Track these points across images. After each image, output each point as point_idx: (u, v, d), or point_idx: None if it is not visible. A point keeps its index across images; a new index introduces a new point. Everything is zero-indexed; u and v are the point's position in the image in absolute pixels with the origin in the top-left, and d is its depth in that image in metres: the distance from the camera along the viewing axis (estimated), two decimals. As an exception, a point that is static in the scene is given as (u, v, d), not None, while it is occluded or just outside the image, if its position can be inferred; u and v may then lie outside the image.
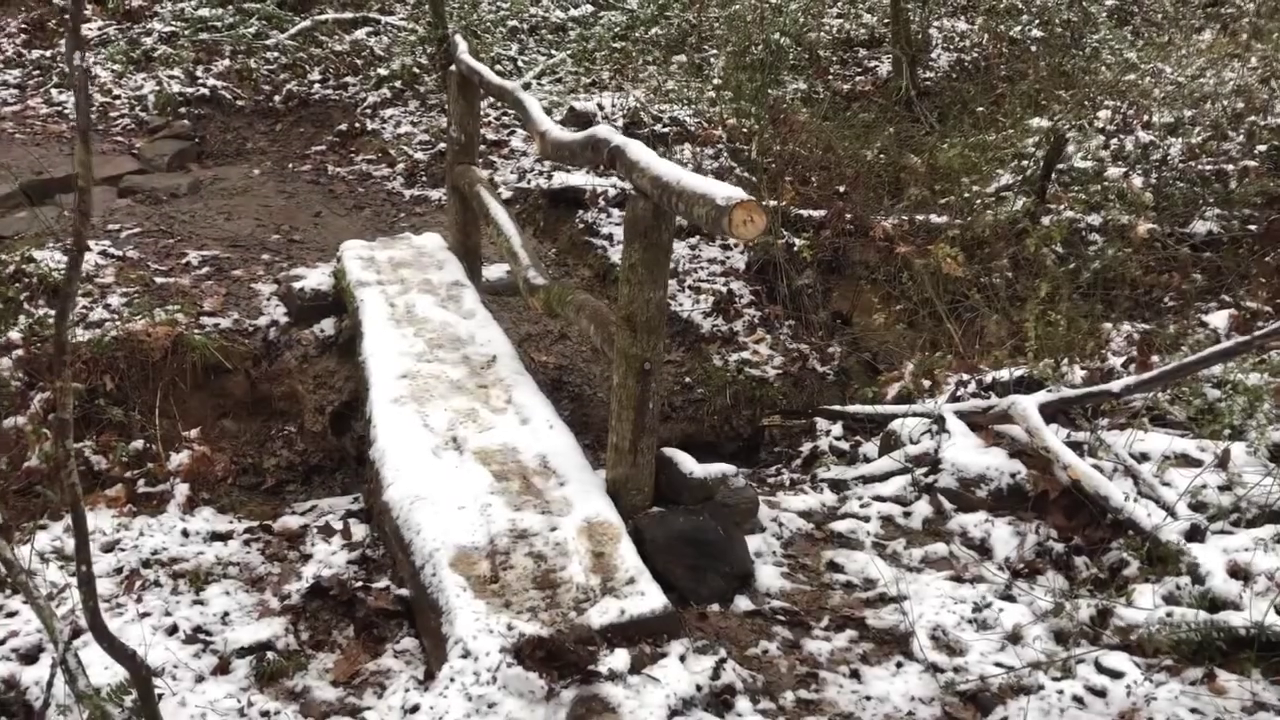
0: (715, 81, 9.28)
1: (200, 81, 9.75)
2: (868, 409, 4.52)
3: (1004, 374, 4.50)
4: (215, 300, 5.95)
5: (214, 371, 5.60)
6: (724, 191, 2.68)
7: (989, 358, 4.81)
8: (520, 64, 10.07)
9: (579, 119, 7.75)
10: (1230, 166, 6.05)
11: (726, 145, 7.48)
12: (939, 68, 11.41)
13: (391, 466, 3.47)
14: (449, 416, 3.83)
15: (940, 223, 6.31)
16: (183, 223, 7.03)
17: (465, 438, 3.67)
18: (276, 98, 9.80)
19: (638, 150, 3.17)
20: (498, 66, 9.69)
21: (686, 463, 3.41)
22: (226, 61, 10.18)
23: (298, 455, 5.64)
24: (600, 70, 9.65)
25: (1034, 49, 11.87)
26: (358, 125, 8.86)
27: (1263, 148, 6.79)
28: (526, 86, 9.36)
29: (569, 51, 10.46)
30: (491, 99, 6.11)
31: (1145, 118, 7.98)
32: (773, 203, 6.46)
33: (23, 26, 10.88)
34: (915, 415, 4.12)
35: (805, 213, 6.58)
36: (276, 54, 10.45)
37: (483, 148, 7.98)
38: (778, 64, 10.08)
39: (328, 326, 5.83)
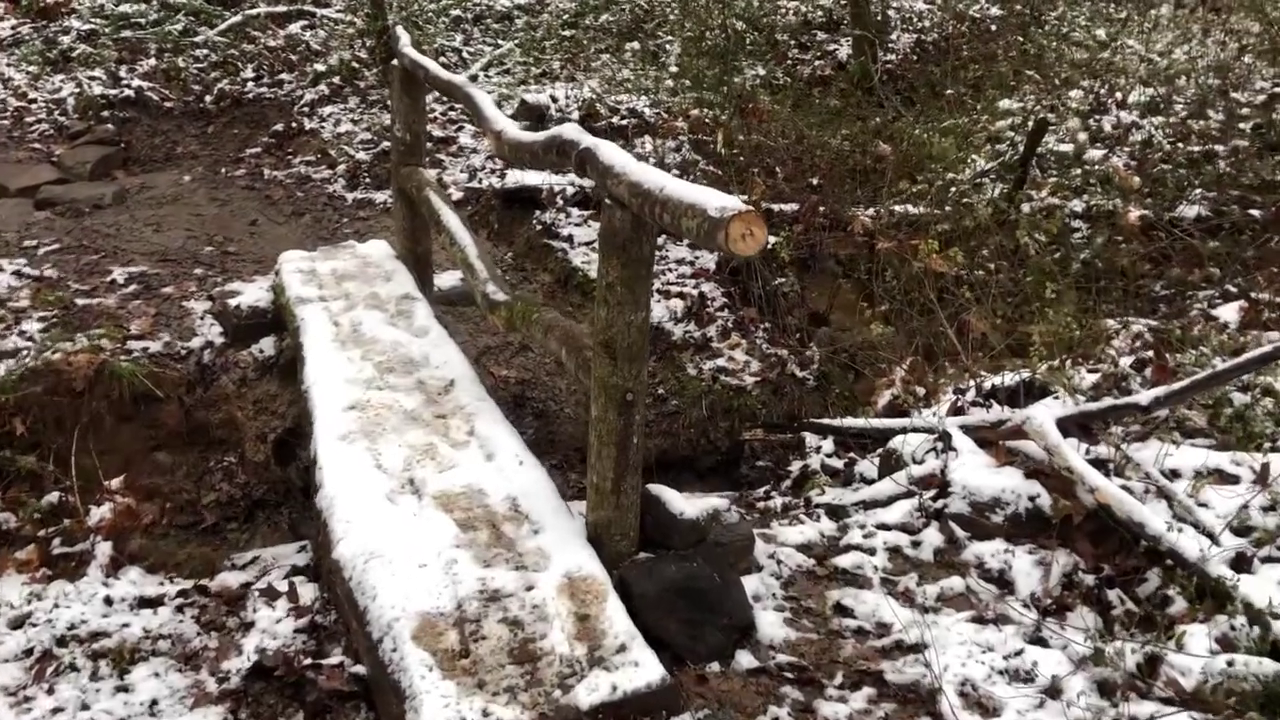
0: (672, 69, 8.92)
1: (124, 83, 9.21)
2: (860, 423, 4.20)
3: (1005, 378, 4.20)
4: (144, 322, 5.50)
5: (144, 401, 5.16)
6: (717, 201, 2.33)
7: (986, 360, 4.51)
8: (466, 55, 9.64)
9: (531, 112, 7.36)
10: (1219, 147, 5.81)
11: (689, 137, 7.13)
12: (899, 49, 11.15)
13: (341, 518, 3.08)
14: (405, 454, 3.45)
15: (918, 214, 6.01)
16: (107, 236, 6.54)
17: (424, 479, 3.29)
18: (208, 98, 9.28)
19: (612, 153, 2.81)
20: (442, 59, 9.26)
21: (675, 501, 3.06)
22: (152, 61, 9.64)
23: (239, 489, 5.22)
24: (550, 60, 9.25)
25: (994, 28, 11.67)
26: (295, 125, 8.39)
27: (1244, 126, 6.57)
28: (473, 79, 8.94)
29: (516, 41, 10.04)
30: (438, 94, 5.69)
31: (1118, 96, 7.76)
32: (742, 198, 6.11)
33: (-71, 27, 10.23)
34: (916, 431, 3.80)
35: (777, 207, 6.26)
36: (206, 51, 9.93)
37: (429, 145, 7.56)
38: (735, 50, 9.75)
39: (267, 346, 5.41)
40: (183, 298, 5.80)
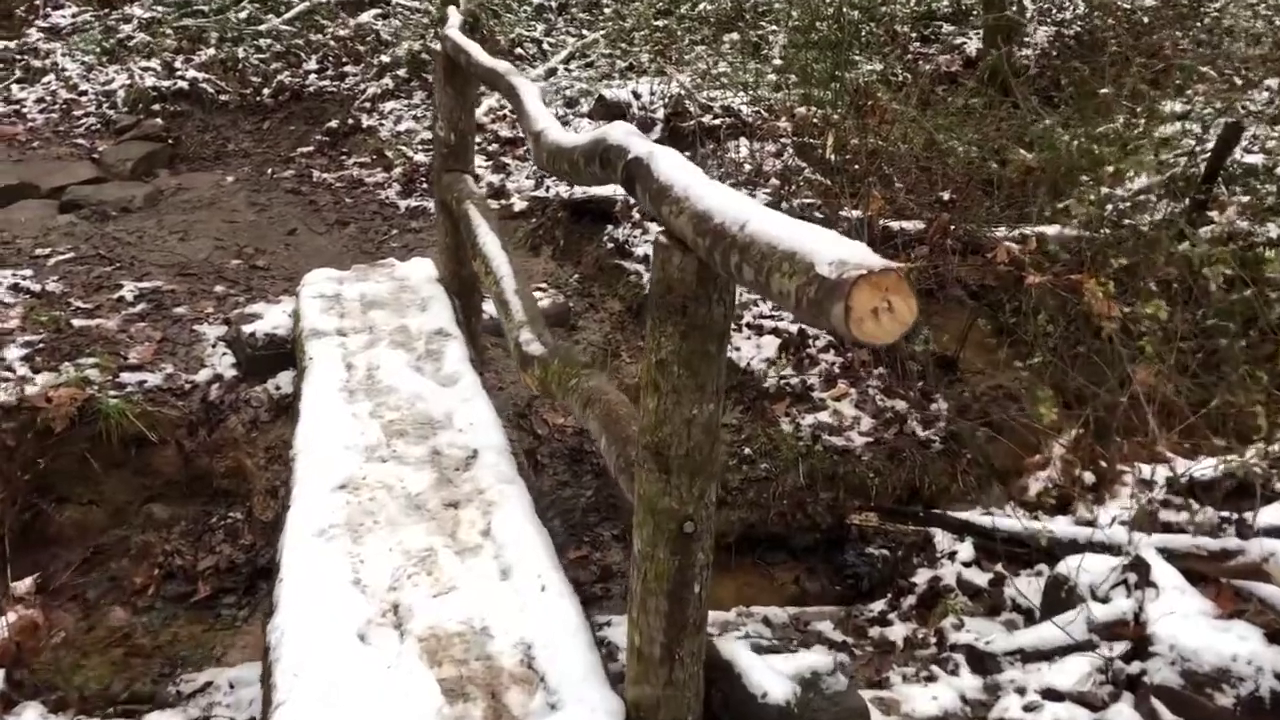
0: (775, 62, 7.98)
1: (179, 74, 8.65)
2: (1012, 524, 3.22)
3: (1207, 467, 3.19)
4: (145, 349, 4.80)
5: (136, 444, 4.46)
6: (831, 249, 1.42)
7: (1174, 437, 3.48)
8: (546, 46, 8.85)
9: (610, 110, 6.51)
10: None
11: (793, 140, 6.19)
12: (1036, 43, 10.04)
13: (287, 667, 2.24)
14: (395, 563, 2.61)
15: (1074, 236, 4.98)
16: (127, 245, 5.89)
17: (412, 606, 2.44)
18: (266, 91, 8.67)
19: (671, 166, 1.92)
20: (519, 50, 8.49)
21: (755, 670, 2.15)
22: (211, 50, 9.08)
23: (242, 552, 4.47)
24: (639, 52, 8.39)
25: (1145, 20, 10.46)
26: (352, 121, 7.69)
27: None
28: (551, 73, 8.15)
29: (603, 31, 9.22)
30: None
31: (1314, 98, 6.56)
32: (856, 212, 5.17)
33: (-13, 15, 9.87)
34: (1094, 549, 2.81)
35: (896, 225, 5.28)
36: (269, 41, 9.34)
37: (494, 147, 6.77)
38: (849, 42, 8.77)
39: (284, 382, 4.67)
40: (195, 320, 5.09)
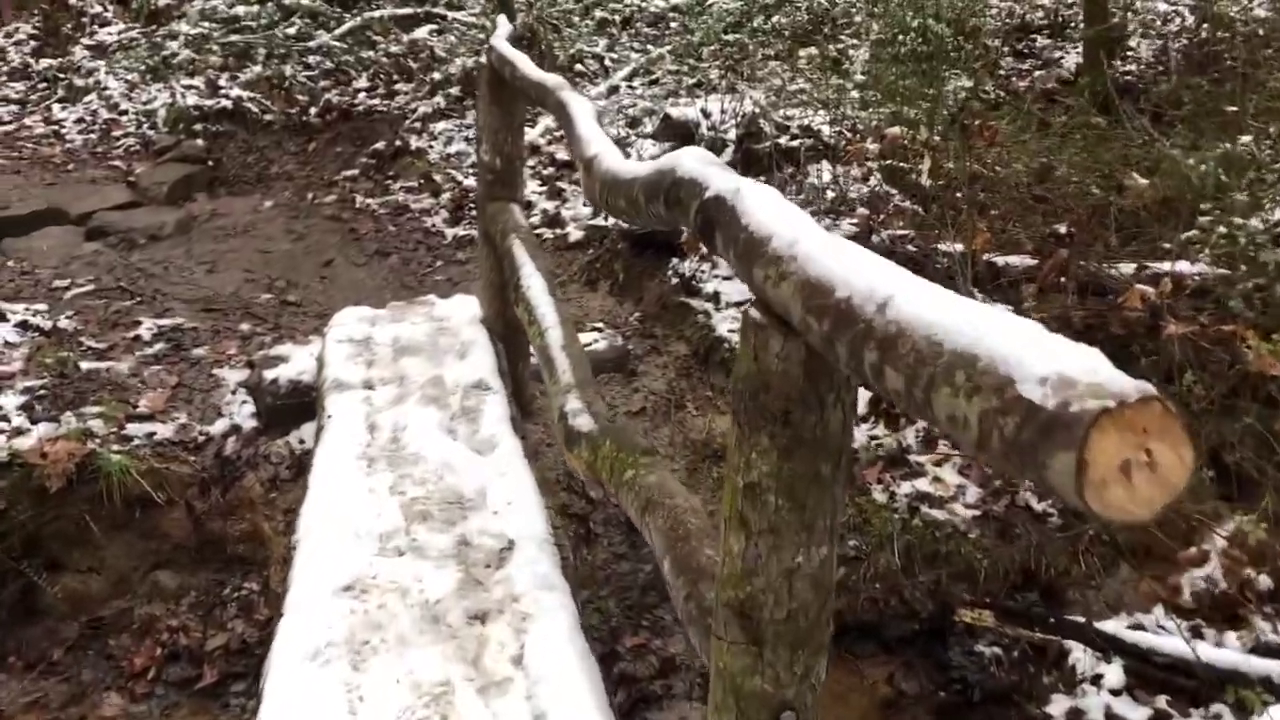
0: (857, 78, 7.42)
1: (223, 92, 8.34)
2: (1177, 646, 2.61)
3: None
4: (156, 396, 4.38)
5: (142, 505, 4.04)
6: (1046, 358, 0.88)
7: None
8: (609, 63, 8.39)
9: (676, 131, 6.00)
10: None
11: (879, 163, 5.62)
12: (1140, 58, 9.37)
13: None
14: (402, 701, 2.09)
15: (1214, 276, 4.36)
16: (151, 276, 5.51)
17: (418, 769, 1.92)
18: (313, 110, 8.32)
19: (767, 209, 1.39)
20: (579, 66, 8.03)
21: None
22: (258, 68, 8.76)
23: (257, 628, 4.01)
24: (708, 68, 7.89)
25: (1260, 31, 9.72)
26: (400, 143, 7.28)
27: None
28: (613, 90, 7.67)
29: (669, 46, 8.73)
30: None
31: None
32: (958, 247, 4.60)
33: (33, 32, 9.69)
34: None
35: (1002, 260, 4.69)
36: (319, 58, 9.00)
37: (549, 170, 6.30)
38: (940, 55, 8.19)
39: (309, 434, 4.21)
40: (216, 362, 4.66)
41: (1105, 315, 4.22)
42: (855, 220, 4.96)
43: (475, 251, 5.83)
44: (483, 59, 7.28)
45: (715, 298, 4.90)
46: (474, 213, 6.21)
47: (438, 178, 6.66)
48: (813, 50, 8.48)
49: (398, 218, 6.36)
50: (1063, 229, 4.56)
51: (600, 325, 4.97)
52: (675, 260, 5.12)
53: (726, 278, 4.98)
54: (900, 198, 5.42)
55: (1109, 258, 4.63)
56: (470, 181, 6.50)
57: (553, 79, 3.07)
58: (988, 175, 4.97)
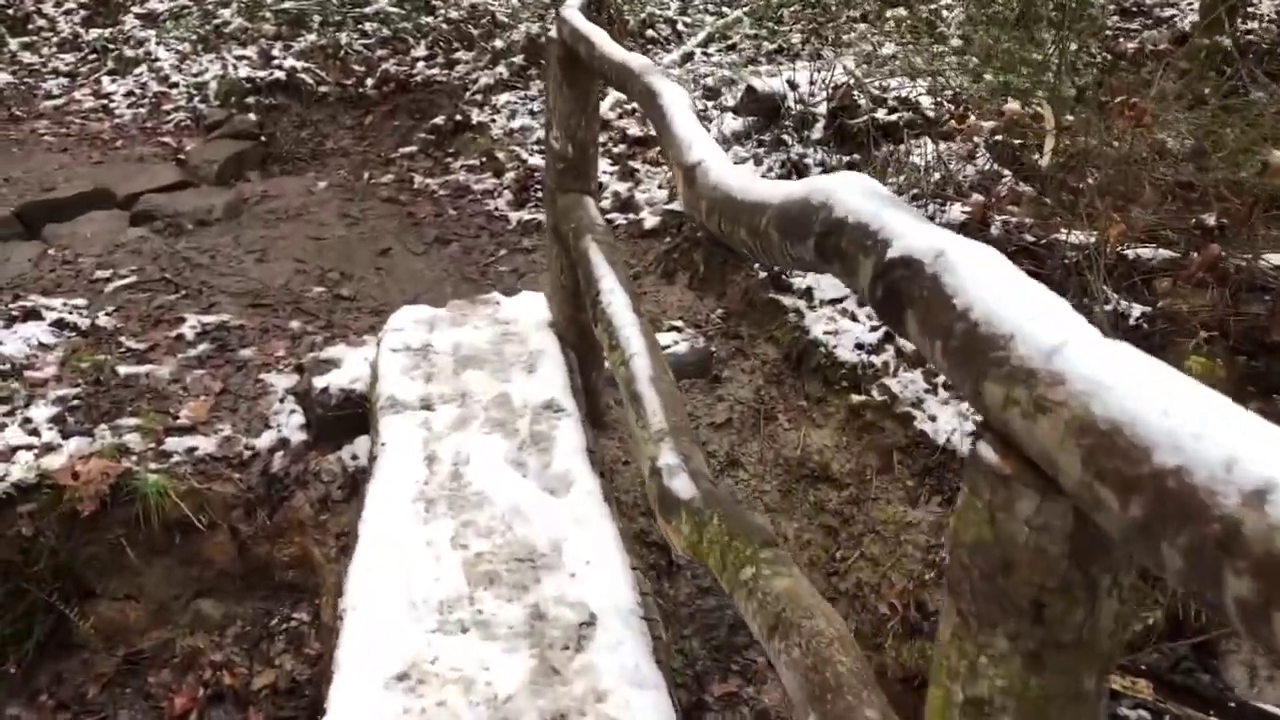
0: (954, 42, 6.87)
1: (276, 62, 8.00)
2: None
3: None
4: (199, 405, 4.05)
5: (181, 528, 3.73)
6: None
7: None
8: (681, 27, 7.89)
9: (760, 104, 5.53)
10: None
11: (987, 139, 5.10)
12: (1262, 15, 8.66)
13: None
14: (465, 843, 1.71)
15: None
16: (197, 266, 5.19)
17: None
18: (369, 81, 7.96)
19: (989, 281, 0.95)
20: (650, 31, 7.55)
21: None
22: (312, 36, 8.42)
23: (308, 664, 3.72)
24: (789, 32, 7.36)
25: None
26: (461, 118, 6.88)
27: None
28: (688, 58, 7.18)
29: (746, 8, 8.21)
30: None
31: None
32: (1080, 236, 4.09)
33: (84, 1, 9.43)
34: None
35: (1132, 252, 4.18)
36: (375, 25, 8.63)
37: (620, 148, 5.87)
38: (1035, 18, 7.59)
39: (362, 449, 3.87)
40: (264, 365, 4.33)
41: (1266, 321, 3.71)
42: (967, 206, 4.47)
43: (542, 238, 5.43)
44: (548, 25, 6.82)
45: (808, 294, 4.45)
46: (540, 193, 5.81)
47: (500, 155, 6.25)
48: (901, 11, 7.92)
49: (458, 200, 5.97)
50: (1211, 219, 4.02)
51: (679, 324, 4.55)
52: (763, 252, 4.66)
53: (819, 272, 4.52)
54: (1013, 180, 4.91)
55: (1266, 249, 4.10)
56: (535, 160, 6.09)
57: (638, 60, 2.63)
58: (1120, 153, 4.44)
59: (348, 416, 3.94)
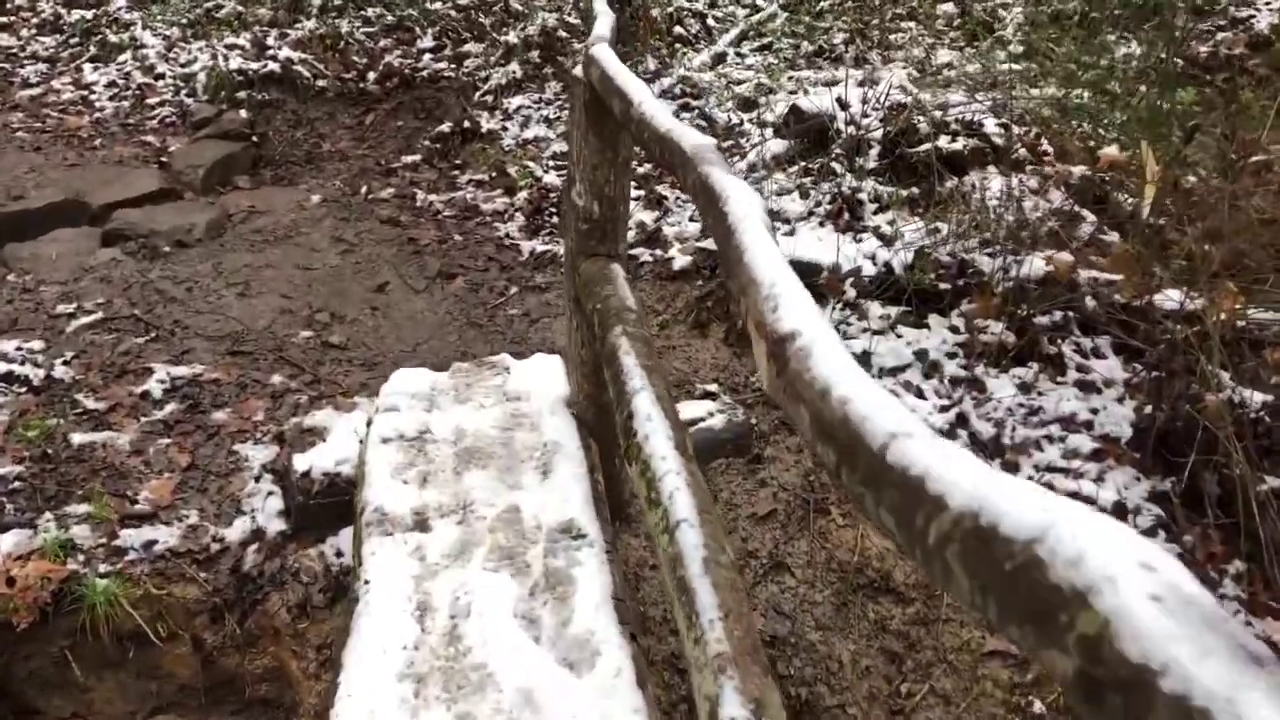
0: (1014, 48, 6.28)
1: (270, 52, 7.43)
2: None
3: None
4: (163, 485, 3.55)
5: (137, 639, 3.24)
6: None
7: None
8: (712, 23, 7.30)
9: (807, 125, 4.96)
10: None
11: (1057, 170, 4.53)
12: (1347, 15, 8.06)
13: None
14: None
15: None
16: (171, 301, 4.67)
17: None
18: (371, 75, 7.40)
19: None
20: (679, 29, 6.96)
21: None
22: (310, 23, 7.84)
23: (281, 798, 3.24)
24: (831, 31, 6.77)
25: None
26: (469, 124, 6.32)
27: None
28: (720, 59, 6.60)
29: (780, 1, 7.60)
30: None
31: None
32: (1172, 294, 3.55)
33: (67, -21, 8.84)
34: None
35: (1251, 318, 3.63)
36: (379, 10, 8.05)
37: (645, 167, 5.31)
38: (1102, 19, 6.99)
39: (347, 543, 3.39)
40: (240, 432, 3.82)
41: None
42: (1047, 257, 3.91)
43: (555, 274, 4.89)
44: (567, 15, 6.23)
45: (864, 359, 3.91)
46: (555, 218, 5.26)
47: (512, 171, 5.70)
48: (951, 6, 7.31)
49: (465, 222, 5.43)
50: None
51: (713, 389, 4.01)
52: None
53: (878, 332, 3.97)
54: (1092, 222, 4.35)
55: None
56: (551, 178, 5.53)
57: (692, 138, 2.07)
58: (1247, 218, 3.88)
59: (333, 504, 3.44)
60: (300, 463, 3.49)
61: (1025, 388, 3.71)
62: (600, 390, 3.26)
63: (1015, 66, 5.93)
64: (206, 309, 4.61)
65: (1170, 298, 3.55)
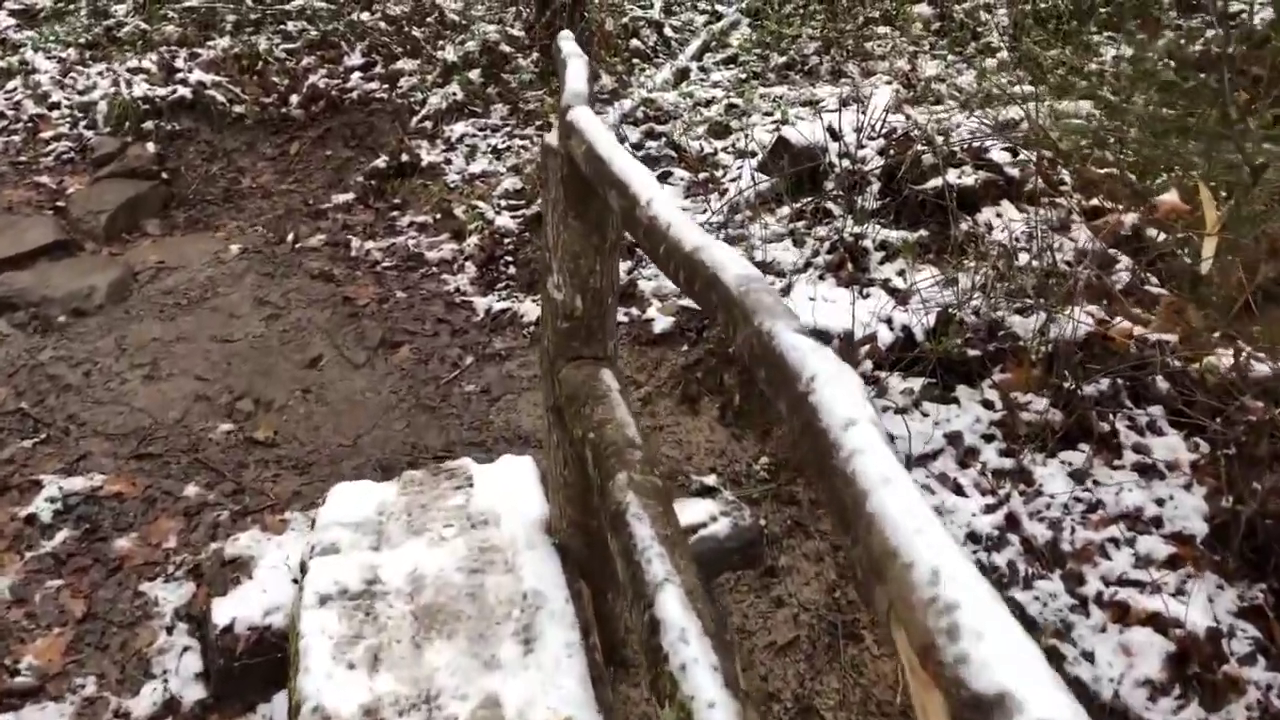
0: (1001, 54, 5.78)
1: (180, 76, 6.72)
2: None
3: None
4: (52, 645, 2.92)
5: None
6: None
7: None
8: (670, 33, 6.71)
9: (795, 157, 4.40)
10: None
11: (1082, 207, 4.03)
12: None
13: None
14: None
15: None
16: (66, 389, 4.00)
17: None
18: (294, 98, 6.71)
19: None
20: (635, 40, 6.37)
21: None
22: (224, 41, 7.13)
23: None
24: (800, 40, 6.23)
25: None
26: (407, 155, 5.68)
27: None
28: (683, 76, 6.03)
29: (741, 5, 7.03)
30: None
31: None
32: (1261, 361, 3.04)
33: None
34: None
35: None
36: (301, 24, 7.36)
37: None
38: (1082, 13, 6.53)
39: (281, 711, 2.79)
40: (147, 565, 3.20)
41: None
42: (1101, 324, 3.40)
43: (516, 338, 4.30)
44: (509, 28, 5.65)
45: (893, 441, 3.36)
46: (511, 270, 4.66)
47: (459, 212, 5.08)
48: (926, 8, 6.81)
49: (408, 274, 4.80)
50: None
51: (712, 482, 3.45)
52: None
53: (901, 410, 3.43)
54: (1128, 266, 3.84)
55: None
56: (504, 220, 4.91)
57: (734, 264, 1.49)
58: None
59: (262, 664, 2.84)
60: (221, 613, 2.87)
61: (1079, 476, 3.19)
62: (588, 516, 2.70)
63: (1008, 78, 5.44)
64: (108, 398, 3.95)
65: (1257, 366, 3.05)
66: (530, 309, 4.36)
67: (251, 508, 3.39)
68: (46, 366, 4.15)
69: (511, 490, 3.02)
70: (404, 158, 5.58)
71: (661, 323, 3.98)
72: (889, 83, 5.38)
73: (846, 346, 3.47)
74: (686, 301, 4.08)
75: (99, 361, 4.18)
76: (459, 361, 4.13)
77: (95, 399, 3.95)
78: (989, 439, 3.34)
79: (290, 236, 5.23)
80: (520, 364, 4.10)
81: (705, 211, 4.43)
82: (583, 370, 2.52)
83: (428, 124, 6.05)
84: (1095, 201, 4.17)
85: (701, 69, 6.11)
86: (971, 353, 3.48)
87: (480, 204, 5.01)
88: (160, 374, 4.09)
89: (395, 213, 5.35)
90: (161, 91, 6.60)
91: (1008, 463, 3.24)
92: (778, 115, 5.13)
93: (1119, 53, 6.44)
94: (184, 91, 6.62)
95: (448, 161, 5.55)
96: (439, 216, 5.13)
